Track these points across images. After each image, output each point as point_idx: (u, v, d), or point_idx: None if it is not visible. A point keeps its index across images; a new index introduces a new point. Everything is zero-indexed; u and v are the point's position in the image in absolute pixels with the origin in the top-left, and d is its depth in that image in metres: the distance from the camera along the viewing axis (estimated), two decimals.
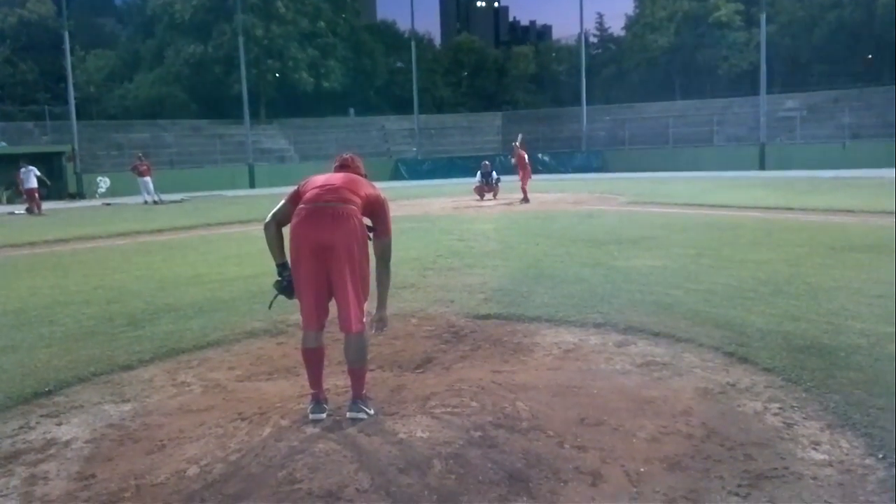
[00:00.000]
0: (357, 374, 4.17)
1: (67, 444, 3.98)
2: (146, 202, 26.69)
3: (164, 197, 27.38)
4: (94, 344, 6.02)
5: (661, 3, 57.98)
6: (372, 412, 4.13)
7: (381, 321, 4.33)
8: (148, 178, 27.20)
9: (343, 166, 4.36)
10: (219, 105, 46.73)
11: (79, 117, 37.45)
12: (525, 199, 20.34)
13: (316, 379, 4.19)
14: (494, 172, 22.30)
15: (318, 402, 4.16)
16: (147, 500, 3.27)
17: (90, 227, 17.43)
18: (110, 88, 52.84)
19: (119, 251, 12.88)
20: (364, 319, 4.12)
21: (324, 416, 4.10)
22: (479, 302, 7.13)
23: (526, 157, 21.21)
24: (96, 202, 29.95)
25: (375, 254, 4.22)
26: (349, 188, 4.06)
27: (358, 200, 4.02)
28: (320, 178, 4.17)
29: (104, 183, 34.51)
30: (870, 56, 53.67)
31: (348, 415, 4.09)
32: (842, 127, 37.89)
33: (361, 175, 4.34)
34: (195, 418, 4.25)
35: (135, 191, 28.30)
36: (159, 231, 16.06)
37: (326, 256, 3.91)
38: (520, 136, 23.30)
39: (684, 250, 10.14)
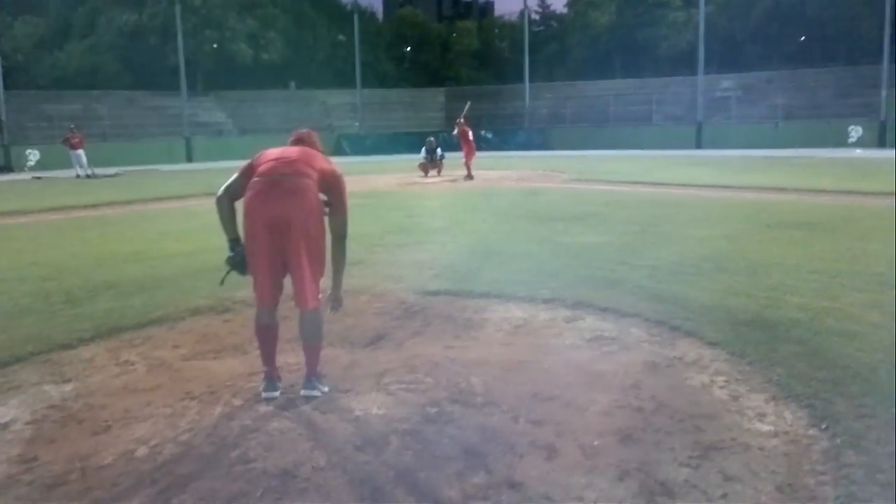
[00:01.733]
0: (312, 351, 4.10)
1: (6, 426, 3.84)
2: (78, 176, 25.82)
3: (98, 171, 26.49)
4: (31, 322, 5.82)
5: None
6: (326, 389, 4.09)
7: (336, 300, 4.26)
8: (80, 151, 26.31)
9: (299, 140, 4.25)
10: (154, 76, 45.25)
11: (6, 87, 35.85)
12: (469, 176, 20.35)
13: (269, 356, 4.11)
14: (439, 149, 22.22)
15: (271, 379, 4.09)
16: (93, 482, 3.18)
17: (20, 201, 16.77)
18: (39, 57, 50.59)
19: (52, 227, 12.43)
20: (319, 296, 4.05)
21: (277, 394, 4.04)
22: (428, 278, 7.12)
23: (470, 133, 21.19)
24: (25, 176, 28.81)
25: (332, 230, 4.13)
26: (305, 161, 3.97)
27: (314, 174, 3.93)
28: (275, 151, 4.07)
29: (33, 156, 33.22)
30: (802, 38, 55.11)
31: (303, 392, 4.04)
32: (775, 107, 38.90)
33: (318, 151, 4.25)
34: (141, 398, 4.14)
35: (66, 164, 27.32)
36: (93, 206, 15.54)
37: (282, 231, 3.80)
38: (467, 105, 23.25)
39: (627, 227, 10.30)
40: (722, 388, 4.12)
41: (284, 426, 3.68)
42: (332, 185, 4.05)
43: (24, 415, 3.99)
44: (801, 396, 3.89)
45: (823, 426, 3.53)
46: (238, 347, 5.02)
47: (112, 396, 4.22)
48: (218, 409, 3.92)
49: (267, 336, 4.11)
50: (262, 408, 3.92)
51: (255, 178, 3.90)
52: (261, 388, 4.08)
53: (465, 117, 21.88)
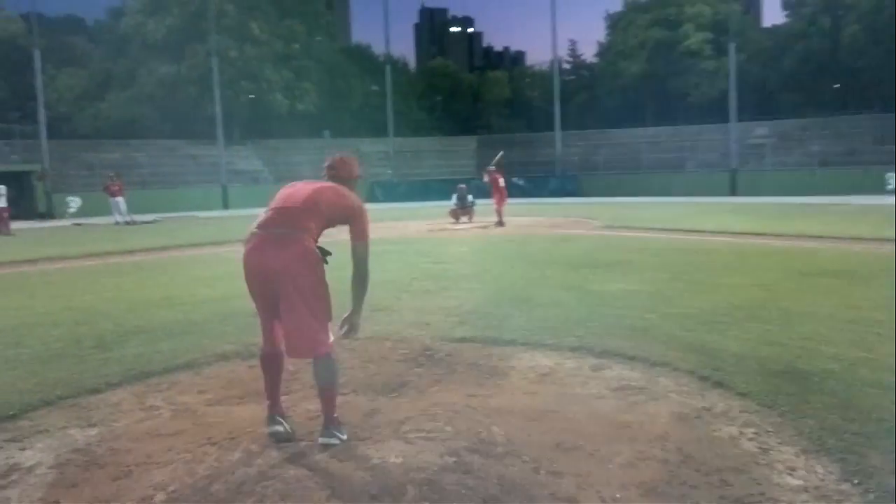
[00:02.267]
0: (326, 396, 4.05)
1: (31, 469, 3.86)
2: (117, 223, 26.38)
3: (136, 217, 27.07)
4: (61, 366, 5.88)
5: (632, 31, 58.94)
6: (345, 437, 4.04)
7: (351, 327, 4.20)
8: (120, 199, 26.94)
9: (330, 168, 4.30)
10: (192, 126, 46.37)
11: (49, 136, 37.01)
12: (500, 223, 20.39)
13: (270, 389, 4.13)
14: (470, 196, 22.35)
15: (272, 414, 4.10)
16: None
17: (59, 247, 17.15)
18: (82, 108, 52.27)
19: (88, 272, 12.67)
20: (329, 341, 4.02)
21: (279, 429, 4.03)
22: (454, 325, 7.09)
23: (501, 180, 21.30)
24: (66, 222, 29.52)
25: (352, 259, 4.17)
26: (309, 206, 3.95)
27: (314, 221, 3.94)
28: (285, 192, 4.10)
29: (74, 203, 34.07)
30: (836, 85, 54.90)
31: (320, 440, 4.01)
32: (810, 154, 38.58)
33: (350, 178, 4.30)
34: (163, 443, 4.15)
35: (106, 211, 27.95)
36: (130, 252, 15.83)
37: (272, 283, 3.84)
38: (500, 154, 23.41)
39: (658, 274, 10.19)
40: (751, 440, 4.01)
41: (301, 474, 3.64)
42: (349, 218, 4.08)
43: (49, 459, 4.01)
44: (832, 450, 3.77)
45: (856, 481, 3.41)
46: (261, 393, 4.95)
47: (135, 441, 4.23)
48: (237, 455, 3.90)
49: (269, 365, 4.12)
50: (280, 454, 3.89)
51: (253, 230, 3.95)
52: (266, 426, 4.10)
53: (496, 165, 22.02)
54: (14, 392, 5.16)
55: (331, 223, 4.04)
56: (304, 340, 3.91)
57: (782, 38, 57.40)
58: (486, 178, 21.76)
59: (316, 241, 3.97)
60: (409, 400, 4.83)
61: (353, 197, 4.14)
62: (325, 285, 3.95)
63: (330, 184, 4.16)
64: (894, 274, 9.03)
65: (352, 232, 4.10)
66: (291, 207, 3.94)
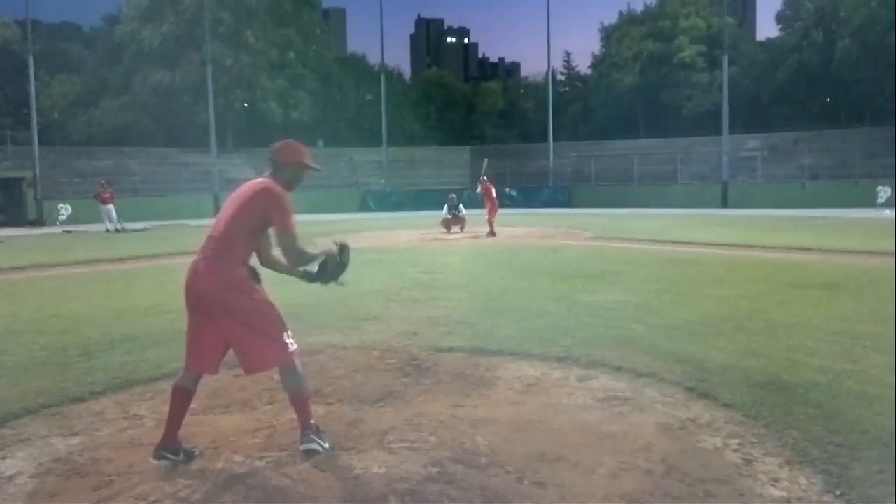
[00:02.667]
0: (297, 404, 4.02)
1: (11, 478, 3.84)
2: (108, 230, 26.29)
3: (127, 225, 26.97)
4: (45, 375, 5.85)
5: (626, 43, 59.31)
6: (326, 445, 4.00)
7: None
8: (111, 206, 26.84)
9: (272, 152, 4.13)
10: (185, 133, 46.36)
11: (41, 143, 36.89)
12: (491, 233, 20.40)
13: (173, 421, 3.94)
14: (461, 205, 22.37)
15: (164, 447, 3.91)
16: None
17: (48, 254, 17.08)
18: (75, 114, 52.23)
19: (77, 280, 12.61)
20: (291, 349, 3.91)
21: (165, 463, 3.85)
22: (442, 334, 7.08)
23: (493, 190, 21.33)
24: (56, 229, 29.41)
25: (284, 256, 4.00)
26: (230, 234, 3.87)
27: (235, 251, 3.87)
28: (220, 214, 4.02)
29: (65, 210, 33.96)
30: (828, 99, 55.28)
31: (300, 448, 3.98)
32: (801, 167, 38.80)
33: (291, 162, 4.11)
34: (146, 452, 4.10)
35: (97, 218, 27.86)
36: (120, 260, 15.76)
37: (204, 309, 3.84)
38: (485, 162, 23.46)
39: (647, 285, 10.21)
40: (735, 451, 4.01)
41: (283, 483, 3.63)
42: (269, 214, 3.87)
43: (30, 468, 3.98)
44: (816, 461, 3.78)
45: (839, 492, 3.42)
46: (247, 403, 5.00)
47: (118, 450, 4.20)
48: (219, 465, 3.88)
49: (177, 398, 3.98)
50: (262, 465, 3.88)
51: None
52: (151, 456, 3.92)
53: (487, 175, 22.06)
54: None
55: (262, 227, 3.93)
56: (254, 357, 3.90)
57: (775, 51, 57.90)
58: (479, 189, 21.81)
59: (248, 254, 3.93)
60: (395, 410, 4.81)
61: (272, 193, 3.90)
62: (262, 302, 3.90)
63: (252, 189, 3.94)
64: (894, 287, 9.03)
65: (275, 224, 3.89)
66: (216, 237, 3.89)
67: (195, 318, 3.90)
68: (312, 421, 4.05)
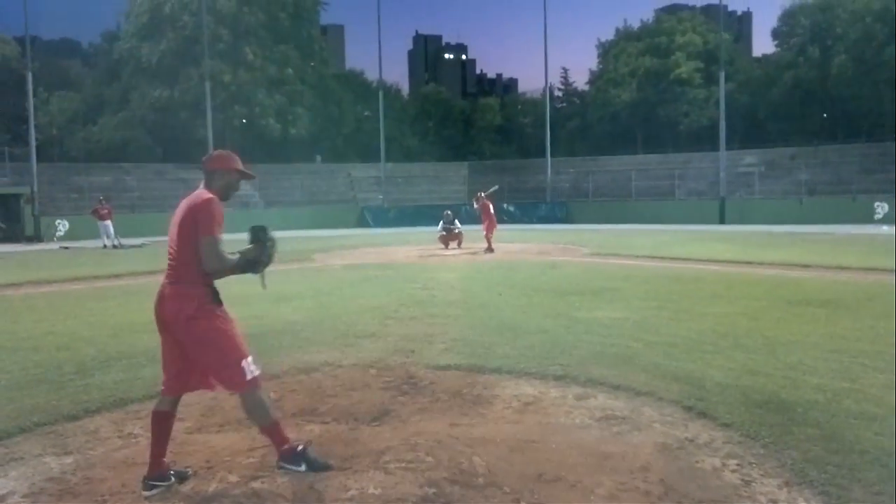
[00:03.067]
0: (264, 432, 4.01)
1: (3, 498, 3.81)
2: (105, 246, 26.25)
3: (125, 241, 26.97)
4: (40, 393, 5.81)
5: (623, 59, 59.63)
6: (302, 468, 3.93)
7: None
8: (108, 222, 26.83)
9: (204, 162, 4.08)
10: (184, 149, 46.42)
11: (39, 159, 36.93)
12: (489, 249, 20.38)
13: (156, 447, 3.92)
14: (457, 221, 22.38)
15: (150, 478, 3.85)
16: None
17: (45, 270, 17.04)
18: (73, 131, 52.37)
19: (74, 296, 12.57)
20: (249, 377, 3.84)
21: (155, 493, 3.79)
22: (439, 352, 7.05)
23: (491, 207, 21.34)
24: (54, 245, 29.38)
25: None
26: (180, 244, 3.83)
27: (189, 270, 3.81)
28: (169, 233, 3.94)
29: (63, 226, 33.93)
30: (825, 115, 55.53)
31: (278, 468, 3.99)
32: (798, 183, 38.90)
33: (222, 169, 4.04)
34: (140, 472, 4.07)
35: (94, 234, 27.82)
36: (117, 276, 15.73)
37: (169, 331, 3.86)
38: (494, 188, 23.51)
39: (645, 302, 10.20)
40: (734, 471, 3.99)
41: None
42: (198, 219, 3.80)
43: (22, 487, 3.95)
44: (815, 482, 3.75)
45: None
46: (242, 421, 4.93)
47: (112, 469, 4.17)
48: (213, 486, 3.85)
49: (157, 423, 3.96)
50: (257, 485, 3.84)
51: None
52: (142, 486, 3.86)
53: (486, 192, 22.08)
54: None
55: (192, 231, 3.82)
56: (218, 377, 3.90)
57: (772, 67, 58.24)
58: (476, 205, 21.83)
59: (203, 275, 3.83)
60: (391, 429, 4.78)
61: (199, 201, 3.85)
62: (217, 329, 3.82)
63: (186, 205, 3.88)
64: (894, 304, 9.02)
65: (199, 229, 3.78)
66: (171, 259, 3.89)
67: (166, 340, 3.91)
68: (289, 445, 3.99)
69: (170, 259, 3.89)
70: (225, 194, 3.99)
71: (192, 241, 3.77)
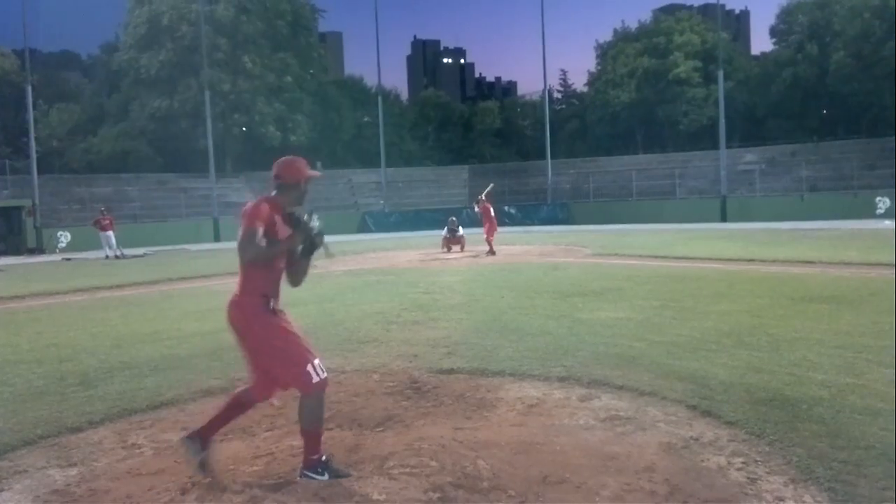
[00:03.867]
0: (305, 436, 4.02)
1: None
2: (107, 257, 26.28)
3: (127, 251, 26.99)
4: (43, 405, 5.81)
5: (622, 60, 59.55)
6: (325, 477, 3.93)
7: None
8: (110, 233, 26.84)
9: (276, 177, 4.20)
10: (184, 159, 46.50)
11: (40, 171, 36.98)
12: (491, 252, 20.38)
13: (218, 421, 4.13)
14: (461, 227, 22.44)
15: (199, 435, 4.05)
16: None
17: (48, 282, 17.05)
18: (73, 142, 52.38)
19: (76, 307, 12.57)
20: (311, 381, 3.89)
21: (195, 459, 4.00)
22: (442, 356, 7.05)
23: (491, 209, 21.35)
24: (56, 257, 29.41)
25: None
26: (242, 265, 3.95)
27: (249, 266, 3.92)
28: None
29: (64, 237, 33.96)
30: (824, 111, 55.48)
31: (300, 478, 3.97)
32: (799, 180, 38.85)
33: (297, 181, 4.17)
34: (144, 482, 4.08)
35: (96, 245, 27.86)
36: (119, 286, 15.73)
37: (238, 338, 4.02)
38: (489, 186, 23.56)
39: (648, 302, 10.18)
40: (739, 469, 3.97)
41: None
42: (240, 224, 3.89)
43: (27, 500, 3.95)
44: (821, 479, 3.74)
45: None
46: (246, 430, 4.95)
47: (115, 481, 4.16)
48: (216, 495, 3.83)
49: (233, 408, 4.16)
50: (260, 493, 3.82)
51: None
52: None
53: (486, 194, 22.11)
54: None
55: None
56: (284, 381, 4.05)
57: (770, 65, 58.14)
58: (477, 209, 21.87)
59: (265, 280, 3.95)
60: (395, 434, 4.77)
61: (247, 207, 3.95)
62: (276, 331, 3.93)
63: (247, 211, 3.92)
64: (894, 299, 9.01)
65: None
66: (239, 271, 3.99)
67: (241, 346, 4.07)
68: (316, 456, 4.00)
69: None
70: (298, 201, 4.18)
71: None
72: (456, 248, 21.97)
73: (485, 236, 21.03)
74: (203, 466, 4.00)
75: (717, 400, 5.19)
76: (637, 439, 4.53)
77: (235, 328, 3.96)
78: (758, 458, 4.12)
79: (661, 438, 4.51)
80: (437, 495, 3.71)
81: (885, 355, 6.33)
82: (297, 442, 4.40)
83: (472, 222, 24.86)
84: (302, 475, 3.96)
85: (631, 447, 4.37)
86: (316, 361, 3.93)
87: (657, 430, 4.67)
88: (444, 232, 22.67)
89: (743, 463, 4.06)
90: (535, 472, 3.99)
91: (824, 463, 3.93)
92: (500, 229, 21.83)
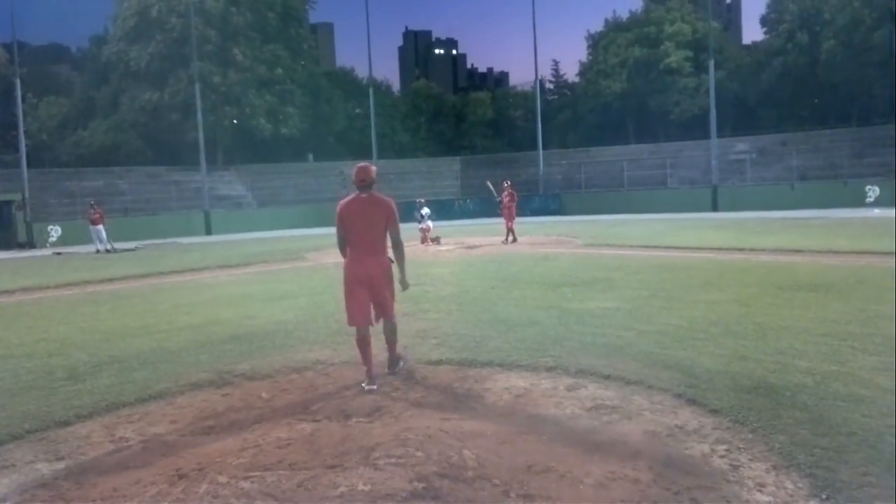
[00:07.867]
0: (391, 344, 6.16)
1: None
2: (98, 251, 26.20)
3: (117, 245, 26.91)
4: (31, 399, 5.81)
5: (613, 50, 59.50)
6: (401, 364, 6.26)
7: (404, 283, 6.12)
8: (100, 227, 26.74)
9: (365, 180, 5.93)
10: (175, 152, 46.36)
11: (30, 165, 36.77)
12: (514, 239, 20.90)
13: (367, 360, 5.83)
14: (425, 211, 22.49)
15: (371, 376, 5.78)
16: None
17: (38, 277, 17.00)
18: (63, 136, 52.12)
19: (66, 302, 12.54)
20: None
21: (375, 387, 5.66)
22: (431, 347, 7.07)
23: (513, 196, 21.81)
24: (47, 251, 29.30)
25: (392, 239, 5.92)
26: (374, 221, 5.80)
27: (381, 230, 5.82)
28: (355, 213, 5.82)
29: (55, 232, 33.84)
30: (815, 100, 55.59)
31: (387, 371, 6.13)
32: (790, 169, 38.97)
33: (374, 183, 5.98)
34: (131, 476, 4.09)
35: (87, 239, 27.78)
36: (109, 280, 15.67)
37: (370, 284, 5.79)
38: (488, 184, 23.74)
39: (637, 292, 10.22)
40: (722, 457, 4.01)
41: None
42: (390, 216, 5.87)
43: (14, 494, 3.95)
44: (802, 465, 3.78)
45: (824, 496, 3.43)
46: (234, 423, 4.97)
47: (103, 475, 4.17)
48: (203, 487, 3.85)
49: (363, 346, 5.82)
50: (246, 485, 3.84)
51: (351, 246, 5.86)
52: (363, 384, 5.73)
53: (510, 185, 22.14)
54: None
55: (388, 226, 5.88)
56: (387, 312, 5.98)
57: (761, 54, 58.17)
58: (503, 196, 21.92)
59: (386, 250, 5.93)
60: (383, 425, 4.79)
61: (390, 205, 5.90)
62: (390, 280, 5.94)
63: (378, 205, 5.85)
64: (894, 287, 9.05)
65: (389, 222, 5.86)
66: (373, 240, 5.81)
67: (362, 290, 5.80)
68: (395, 356, 6.24)
69: (369, 240, 5.80)
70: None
71: (384, 227, 5.84)
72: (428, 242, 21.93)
73: (507, 223, 21.13)
74: (404, 369, 6.25)
75: (702, 388, 5.23)
76: (622, 428, 4.56)
77: (376, 275, 5.77)
78: (741, 446, 4.15)
79: (645, 427, 4.54)
80: (422, 485, 3.73)
81: (871, 342, 6.39)
82: (284, 434, 4.44)
83: (464, 214, 24.86)
84: (390, 368, 6.15)
85: (616, 436, 4.41)
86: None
87: (642, 419, 4.71)
88: (421, 223, 22.56)
89: (726, 450, 4.10)
90: (521, 461, 4.02)
91: (806, 450, 3.96)
92: (490, 221, 21.88)
